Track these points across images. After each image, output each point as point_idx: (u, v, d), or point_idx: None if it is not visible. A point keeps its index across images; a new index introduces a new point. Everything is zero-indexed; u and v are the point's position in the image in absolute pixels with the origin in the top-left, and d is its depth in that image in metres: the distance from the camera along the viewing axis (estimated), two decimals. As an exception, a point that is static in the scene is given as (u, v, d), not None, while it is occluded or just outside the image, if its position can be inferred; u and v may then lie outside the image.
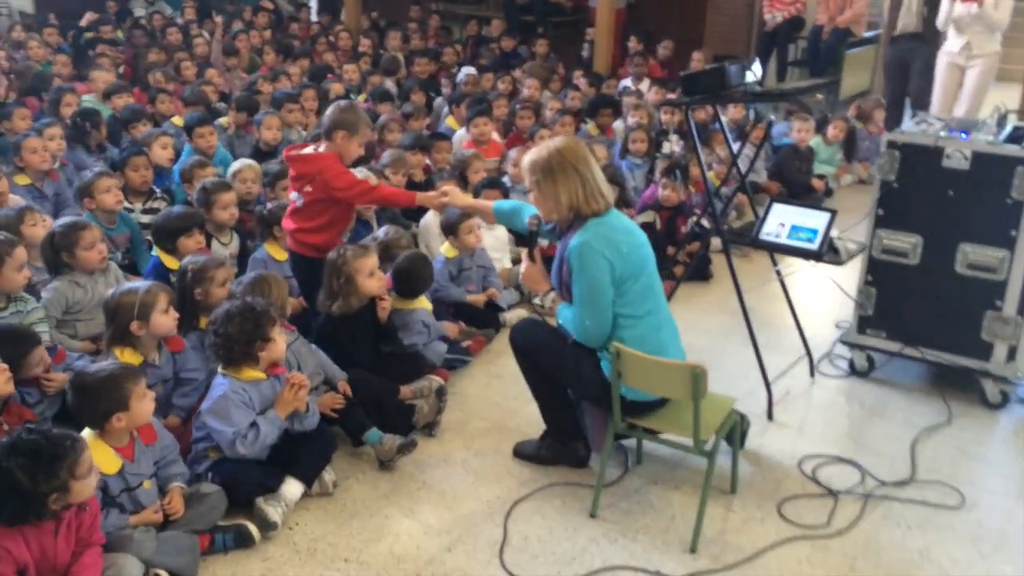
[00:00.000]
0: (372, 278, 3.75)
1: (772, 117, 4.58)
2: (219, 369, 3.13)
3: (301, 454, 3.15)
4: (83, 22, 9.68)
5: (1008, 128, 4.17)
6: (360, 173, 5.06)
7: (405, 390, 3.74)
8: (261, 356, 3.09)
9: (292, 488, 3.10)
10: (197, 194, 4.50)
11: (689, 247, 5.20)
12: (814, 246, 3.74)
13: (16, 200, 4.60)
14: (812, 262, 3.81)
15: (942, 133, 3.98)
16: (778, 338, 4.60)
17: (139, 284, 3.35)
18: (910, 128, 4.14)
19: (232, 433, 3.00)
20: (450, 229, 4.69)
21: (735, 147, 4.04)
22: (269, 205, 4.36)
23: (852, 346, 4.30)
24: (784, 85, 4.06)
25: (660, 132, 6.70)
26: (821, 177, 7.33)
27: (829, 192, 7.29)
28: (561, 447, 3.48)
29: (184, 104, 6.73)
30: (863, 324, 4.24)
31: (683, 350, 3.29)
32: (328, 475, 3.24)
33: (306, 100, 7.04)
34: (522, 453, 3.54)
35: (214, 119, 6.38)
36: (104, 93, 6.85)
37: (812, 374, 4.31)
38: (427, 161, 6.23)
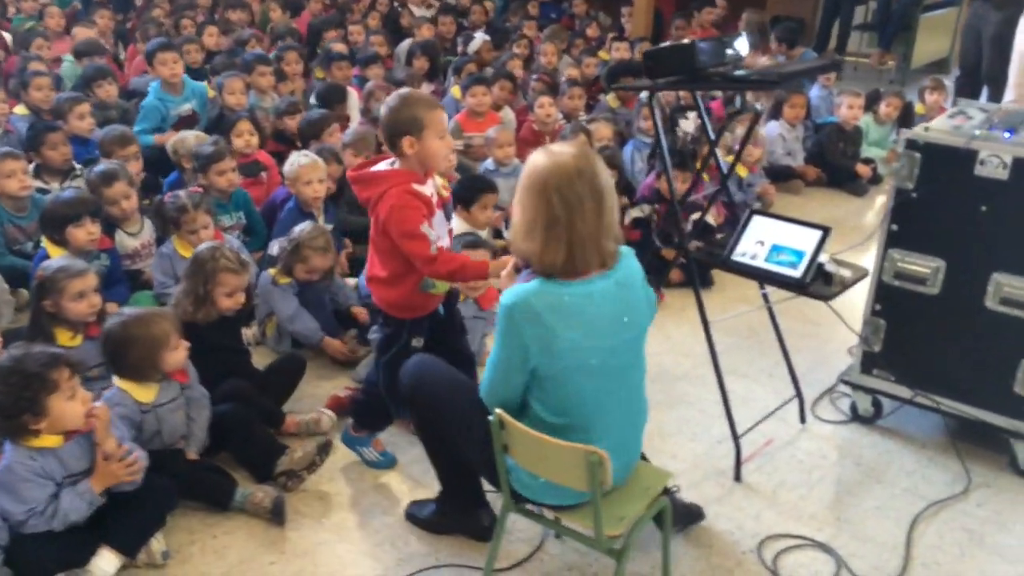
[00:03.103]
0: (229, 299, 3.23)
1: (759, 107, 3.78)
2: None
3: (124, 516, 2.58)
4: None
5: (1072, 124, 3.31)
6: (307, 158, 4.42)
7: (291, 421, 3.16)
8: (38, 428, 2.44)
9: (106, 562, 2.54)
10: (87, 181, 3.94)
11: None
12: (797, 273, 2.99)
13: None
14: (795, 293, 3.06)
15: (978, 131, 3.15)
16: (775, 368, 3.85)
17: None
18: (939, 124, 3.31)
19: (23, 512, 2.43)
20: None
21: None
22: (168, 196, 3.77)
23: (855, 387, 3.53)
24: (779, 68, 3.26)
25: (676, 109, 5.87)
26: (868, 161, 6.44)
27: (877, 179, 6.39)
28: (459, 515, 2.84)
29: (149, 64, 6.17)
30: (868, 362, 3.47)
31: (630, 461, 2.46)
32: (157, 543, 2.66)
33: (288, 64, 6.43)
34: (414, 518, 2.92)
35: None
36: (75, 52, 6.37)
37: (803, 419, 3.56)
38: (409, 137, 5.57)
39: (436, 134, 2.79)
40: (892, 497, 3.12)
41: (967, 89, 7.34)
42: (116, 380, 2.82)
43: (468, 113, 6.13)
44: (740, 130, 5.43)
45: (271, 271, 3.75)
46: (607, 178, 2.28)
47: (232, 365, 3.33)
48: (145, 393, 2.82)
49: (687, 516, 2.89)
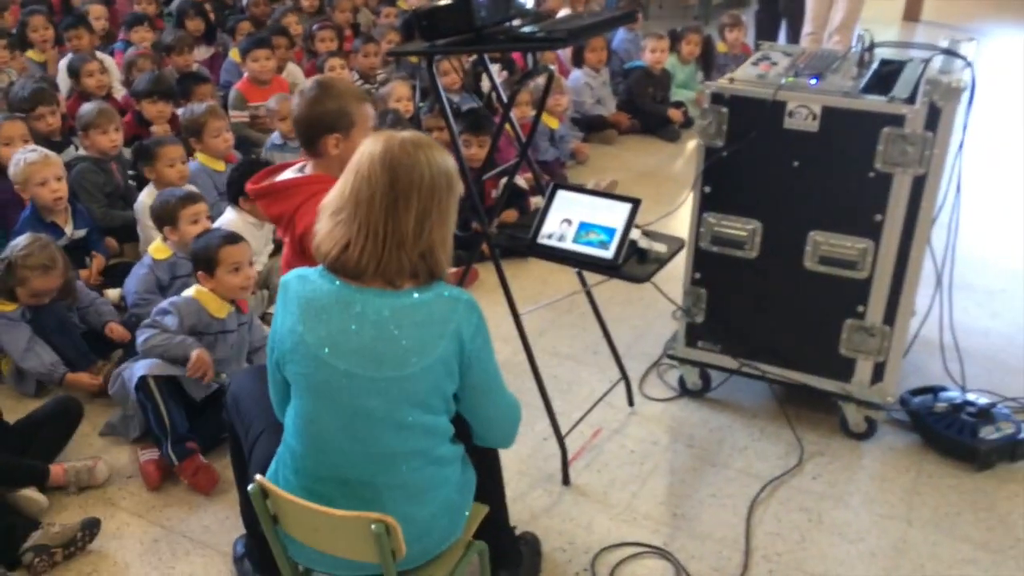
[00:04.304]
0: None
1: (552, 67, 3.44)
2: None
3: None
4: None
5: (874, 65, 3.13)
6: (35, 154, 3.69)
7: (58, 469, 2.62)
8: None
9: None
10: None
11: (502, 216, 4.08)
12: (609, 253, 2.67)
13: None
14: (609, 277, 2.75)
15: (784, 79, 2.92)
16: (601, 344, 3.54)
17: None
18: (744, 73, 3.06)
19: None
20: (166, 217, 3.44)
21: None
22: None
23: (681, 361, 3.30)
24: (568, 23, 2.91)
25: (476, 63, 5.47)
26: (679, 105, 6.28)
27: (689, 122, 6.24)
28: (257, 572, 2.41)
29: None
30: (692, 334, 3.24)
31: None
32: None
33: (34, 30, 5.55)
34: (234, 552, 2.53)
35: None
36: None
37: (631, 402, 3.31)
38: (178, 111, 4.91)
39: (365, 132, 2.39)
40: (727, 481, 2.92)
41: (767, 23, 7.32)
42: None
43: (251, 80, 5.51)
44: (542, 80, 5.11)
45: (-11, 298, 3.11)
46: (429, 185, 1.80)
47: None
48: None
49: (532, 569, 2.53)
